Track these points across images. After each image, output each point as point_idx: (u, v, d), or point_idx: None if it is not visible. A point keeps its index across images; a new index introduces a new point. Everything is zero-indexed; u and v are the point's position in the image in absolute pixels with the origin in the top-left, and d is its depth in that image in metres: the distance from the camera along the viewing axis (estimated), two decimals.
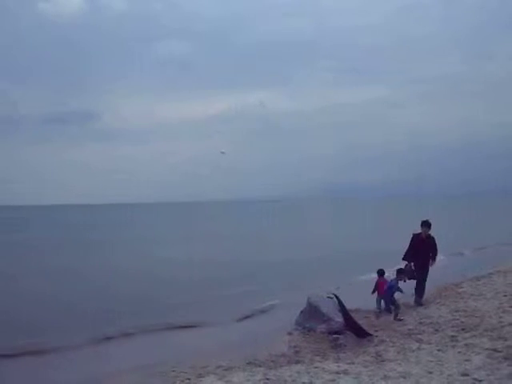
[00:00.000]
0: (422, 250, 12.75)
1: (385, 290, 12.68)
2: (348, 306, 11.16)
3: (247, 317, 13.76)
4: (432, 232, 13.11)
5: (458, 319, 10.56)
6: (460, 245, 27.25)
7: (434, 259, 12.93)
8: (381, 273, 13.66)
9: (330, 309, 11.09)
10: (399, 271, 12.69)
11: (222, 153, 29.10)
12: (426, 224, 13.01)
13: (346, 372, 7.64)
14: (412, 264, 12.80)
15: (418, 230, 13.08)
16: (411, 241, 13.02)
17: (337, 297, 11.14)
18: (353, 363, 8.21)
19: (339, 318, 10.66)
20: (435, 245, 12.94)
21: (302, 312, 11.89)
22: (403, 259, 12.92)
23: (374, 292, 13.49)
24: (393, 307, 12.19)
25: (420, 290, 13.05)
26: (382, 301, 13.29)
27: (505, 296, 12.92)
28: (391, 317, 11.80)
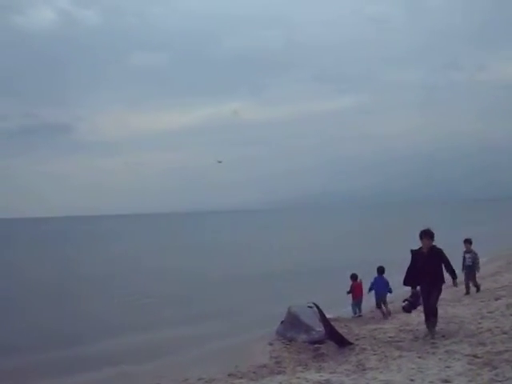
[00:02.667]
0: (426, 268, 9.66)
1: (370, 288, 13.11)
2: (328, 314, 11.15)
3: (228, 328, 13.66)
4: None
5: (437, 326, 10.60)
6: None
7: (453, 276, 10.17)
8: (354, 277, 13.80)
9: (310, 318, 11.06)
10: (379, 268, 13.00)
11: (219, 162, 28.92)
12: (426, 234, 9.84)
13: (328, 382, 7.59)
14: (418, 288, 10.04)
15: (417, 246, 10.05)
16: (411, 259, 9.96)
17: (317, 306, 11.11)
18: (335, 372, 8.18)
19: (320, 328, 10.64)
20: (444, 257, 9.84)
21: (282, 322, 11.86)
22: (404, 284, 10.20)
23: (349, 292, 13.61)
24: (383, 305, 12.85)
25: (430, 316, 9.96)
26: (357, 308, 13.47)
27: (482, 302, 13.04)
28: (372, 324, 11.82)
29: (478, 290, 14.80)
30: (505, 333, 9.15)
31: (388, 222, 77.29)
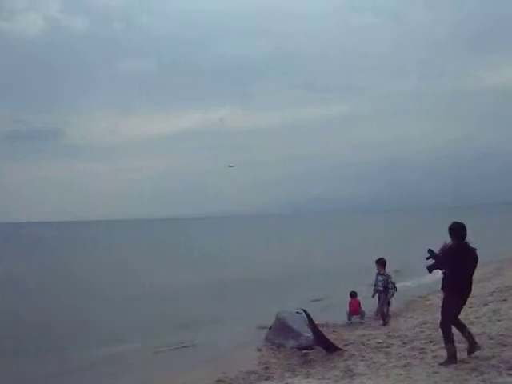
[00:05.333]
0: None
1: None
2: (316, 320, 11.13)
3: (216, 333, 13.59)
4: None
5: (425, 332, 10.63)
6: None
7: None
8: (353, 294, 13.91)
9: (299, 324, 11.06)
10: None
11: (231, 166, 28.90)
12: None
13: None
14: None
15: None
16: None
17: (305, 312, 11.10)
18: (323, 378, 8.17)
19: (308, 334, 10.62)
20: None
21: (271, 328, 11.83)
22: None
23: (350, 312, 13.70)
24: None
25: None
26: (352, 317, 13.52)
27: (471, 307, 13.05)
28: (361, 330, 11.82)
29: (384, 322, 12.51)
30: (492, 338, 9.18)
31: (373, 229, 77.35)
